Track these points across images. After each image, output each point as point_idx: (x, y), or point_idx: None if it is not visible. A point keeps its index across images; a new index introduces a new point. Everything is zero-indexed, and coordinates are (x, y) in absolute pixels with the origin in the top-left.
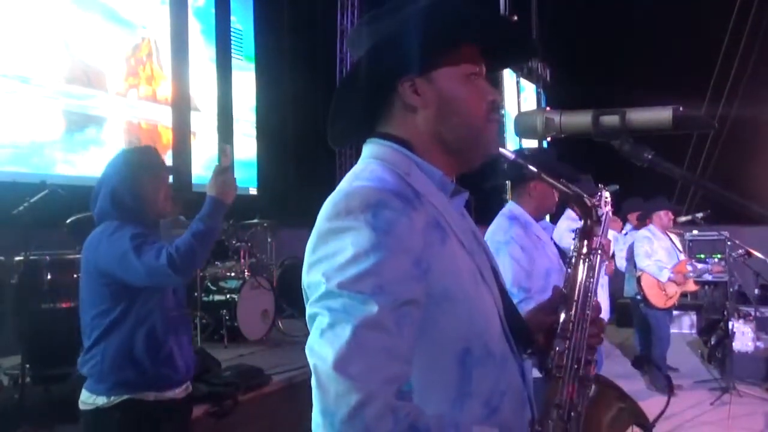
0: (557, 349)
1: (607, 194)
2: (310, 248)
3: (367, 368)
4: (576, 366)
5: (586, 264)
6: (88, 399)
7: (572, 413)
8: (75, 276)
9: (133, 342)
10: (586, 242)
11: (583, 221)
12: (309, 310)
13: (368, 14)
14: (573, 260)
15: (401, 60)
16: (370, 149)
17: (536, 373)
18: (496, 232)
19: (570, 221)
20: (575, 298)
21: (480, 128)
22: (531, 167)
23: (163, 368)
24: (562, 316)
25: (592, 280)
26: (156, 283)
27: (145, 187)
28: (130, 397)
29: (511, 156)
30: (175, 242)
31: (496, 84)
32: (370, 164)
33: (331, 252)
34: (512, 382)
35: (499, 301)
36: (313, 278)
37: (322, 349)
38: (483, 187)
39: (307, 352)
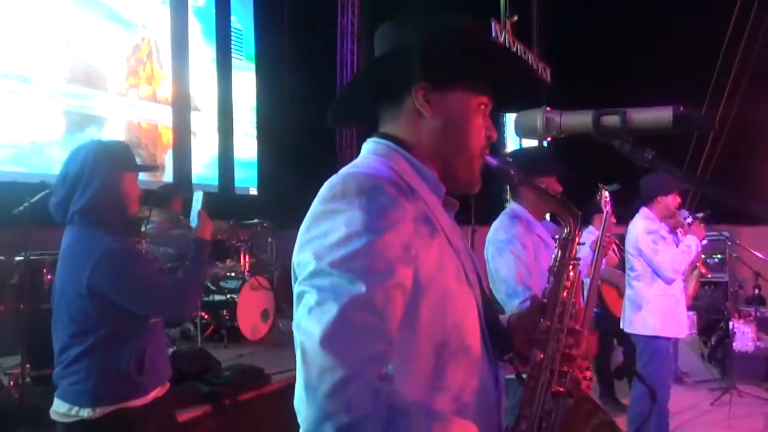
0: (533, 359)
1: (606, 194)
2: (303, 229)
3: (352, 346)
4: (550, 377)
5: (566, 273)
6: (69, 411)
7: (544, 424)
8: None
9: (119, 358)
10: (567, 251)
11: (565, 229)
12: (297, 288)
13: (407, 15)
14: (555, 269)
15: (424, 67)
16: (369, 146)
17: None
18: (498, 231)
19: (646, 221)
20: (553, 307)
21: (473, 157)
22: (514, 174)
23: (148, 377)
24: (541, 325)
25: (571, 290)
26: (163, 315)
27: (130, 187)
28: (117, 407)
29: (495, 163)
30: (184, 279)
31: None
32: (368, 158)
33: (323, 232)
34: (484, 384)
35: (480, 303)
36: (303, 257)
37: (309, 325)
38: (484, 191)
39: (294, 329)
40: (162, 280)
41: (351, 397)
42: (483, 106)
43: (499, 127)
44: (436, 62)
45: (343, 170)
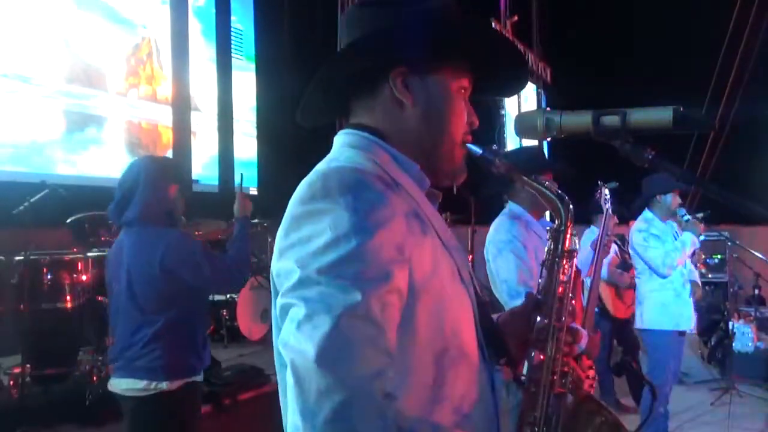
0: (532, 361)
1: (606, 191)
2: (281, 233)
3: (351, 363)
4: (552, 378)
5: (561, 266)
6: (147, 386)
7: (547, 428)
8: (75, 276)
9: (192, 334)
10: (559, 243)
11: (556, 220)
12: (280, 300)
13: None
14: (547, 262)
15: (402, 51)
16: (343, 139)
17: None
18: (499, 231)
19: (640, 221)
20: (550, 304)
21: (455, 143)
22: (500, 163)
23: (206, 353)
24: (537, 324)
25: (567, 285)
26: (222, 288)
27: (176, 195)
28: (188, 380)
29: (478, 152)
30: (235, 256)
31: None
32: (345, 151)
33: (305, 236)
34: (482, 391)
35: (475, 303)
36: (284, 266)
37: (300, 343)
38: (484, 192)
39: (281, 347)
40: (219, 259)
41: (356, 422)
42: (463, 90)
43: (499, 127)
44: (414, 43)
45: (320, 166)
